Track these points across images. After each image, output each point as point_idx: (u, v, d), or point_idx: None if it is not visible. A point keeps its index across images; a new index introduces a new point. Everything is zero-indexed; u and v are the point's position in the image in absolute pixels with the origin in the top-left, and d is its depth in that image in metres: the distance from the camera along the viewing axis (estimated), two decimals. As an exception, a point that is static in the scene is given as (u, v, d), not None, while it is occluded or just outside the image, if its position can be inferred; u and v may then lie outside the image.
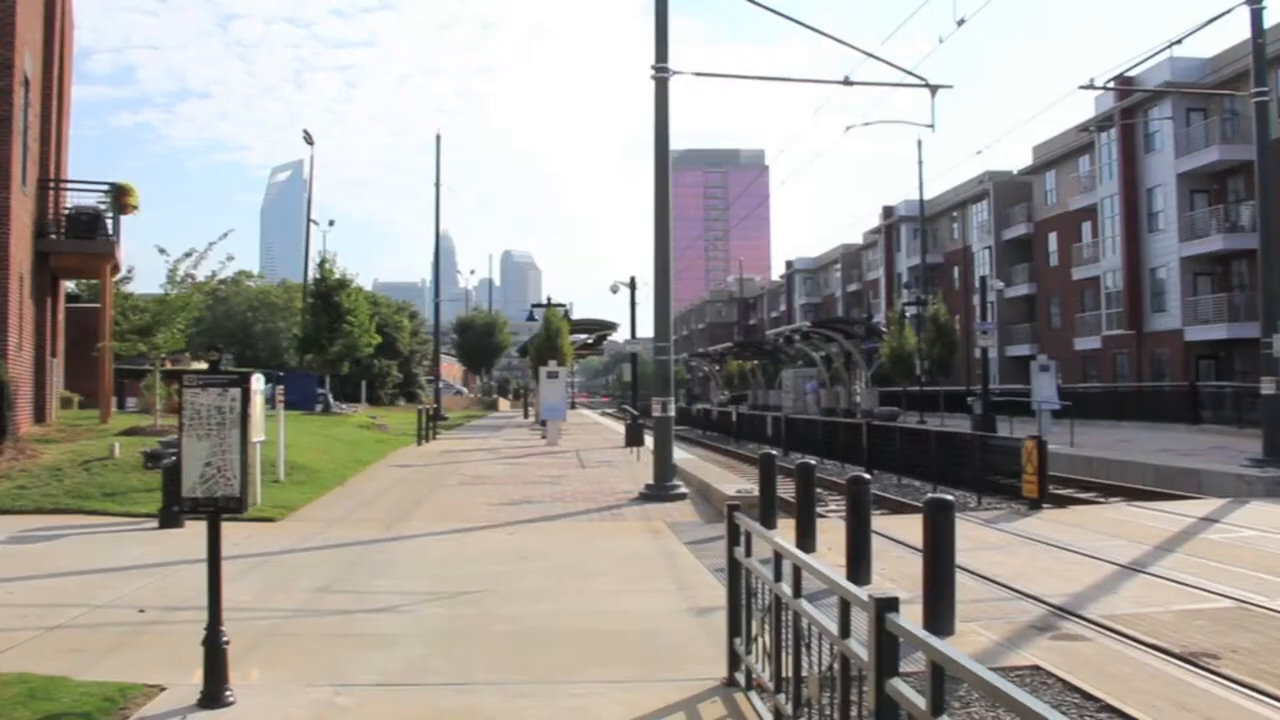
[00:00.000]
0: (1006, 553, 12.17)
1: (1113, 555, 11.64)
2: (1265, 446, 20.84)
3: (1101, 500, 19.83)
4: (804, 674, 4.96)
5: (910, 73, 19.81)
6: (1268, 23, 22.06)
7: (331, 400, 41.96)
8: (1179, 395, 37.56)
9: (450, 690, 6.56)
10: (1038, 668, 7.14)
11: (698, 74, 19.08)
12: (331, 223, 52.51)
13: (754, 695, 6.11)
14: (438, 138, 52.05)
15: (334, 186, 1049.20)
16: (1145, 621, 8.41)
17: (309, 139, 47.58)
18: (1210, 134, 46.18)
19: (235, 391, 6.34)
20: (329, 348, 40.92)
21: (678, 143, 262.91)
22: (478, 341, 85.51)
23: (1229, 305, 45.83)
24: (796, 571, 5.09)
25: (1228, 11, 21.30)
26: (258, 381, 15.87)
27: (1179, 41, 23.16)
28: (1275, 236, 22.38)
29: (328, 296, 41.42)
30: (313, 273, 43.65)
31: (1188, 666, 7.17)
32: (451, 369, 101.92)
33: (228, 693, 6.17)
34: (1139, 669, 7.14)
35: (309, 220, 49.60)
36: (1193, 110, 47.56)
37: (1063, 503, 18.51)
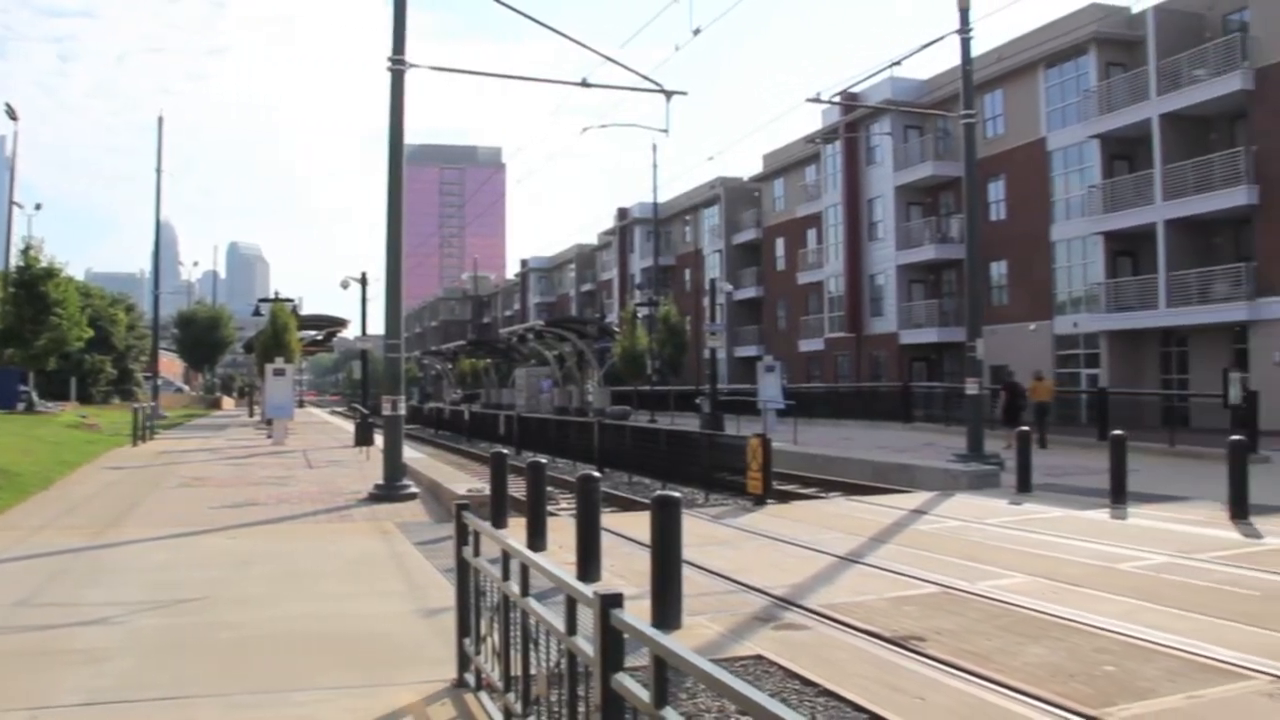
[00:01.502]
0: (733, 547, 12.52)
1: (832, 547, 12.14)
2: (969, 443, 22.28)
3: (822, 495, 20.65)
4: (533, 672, 4.95)
5: (647, 78, 20.14)
6: (975, 51, 23.57)
7: (36, 398, 39.31)
8: (895, 395, 39.58)
9: (166, 705, 6.20)
10: (761, 657, 7.36)
11: (435, 68, 18.82)
12: (39, 206, 48.99)
13: (484, 695, 6.04)
14: (160, 120, 49.29)
15: (43, 167, 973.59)
16: (860, 609, 8.80)
17: (12, 113, 44.32)
18: (925, 150, 49.09)
19: (-80, 387, 5.81)
20: (33, 342, 38.33)
21: (414, 138, 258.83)
22: (200, 337, 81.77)
23: (940, 311, 48.81)
24: (524, 570, 5.07)
25: (941, 38, 22.71)
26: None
27: (898, 63, 24.59)
28: (979, 248, 23.97)
29: (32, 286, 38.78)
30: (15, 260, 40.81)
31: (898, 649, 7.55)
32: (171, 365, 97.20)
33: (-95, 721, 5.64)
34: (855, 654, 7.47)
35: (11, 203, 46.26)
36: (910, 127, 50.42)
37: (786, 498, 19.19)
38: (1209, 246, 36.52)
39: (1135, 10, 39.42)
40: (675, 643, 3.17)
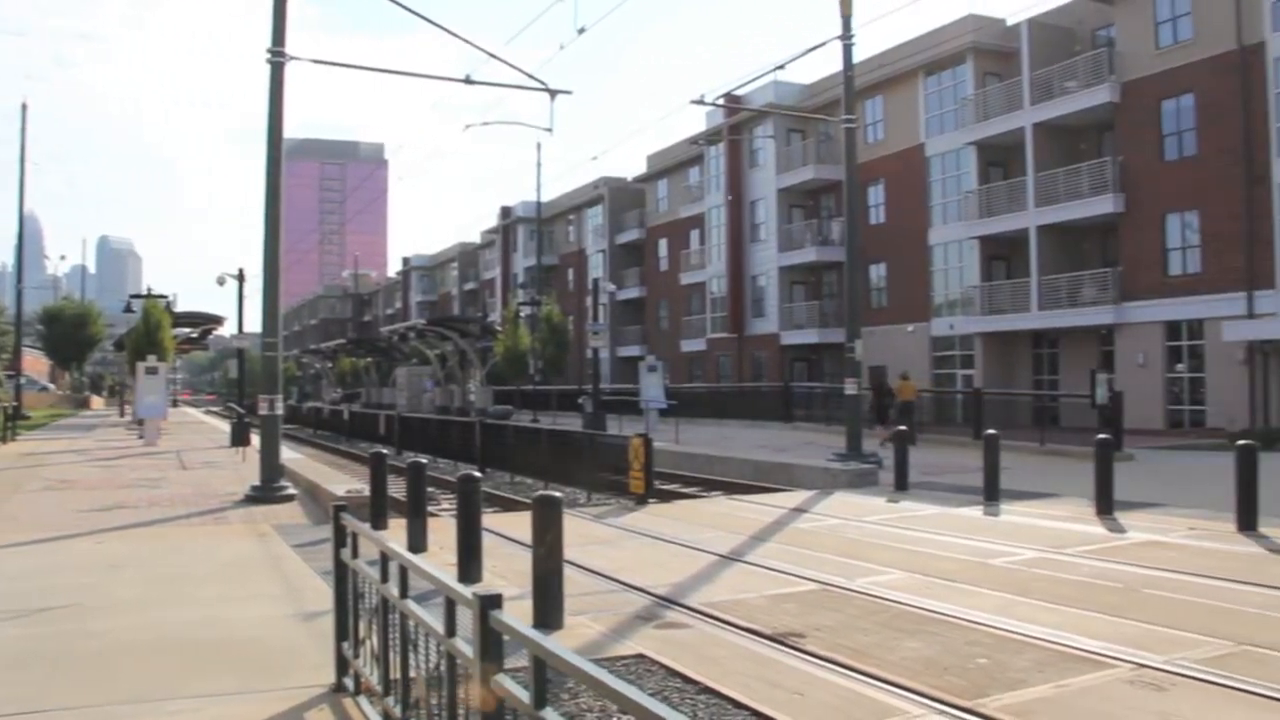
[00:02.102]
0: (615, 547, 12.53)
1: (713, 546, 12.22)
2: (848, 442, 22.66)
3: (704, 495, 20.77)
4: (413, 675, 4.89)
5: (531, 76, 20.09)
6: (857, 57, 23.99)
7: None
8: (775, 395, 40.01)
9: None
10: (642, 656, 7.37)
11: (316, 61, 18.48)
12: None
13: (363, 699, 5.95)
14: (24, 107, 47.59)
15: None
16: (741, 607, 8.88)
17: None
18: (807, 154, 49.75)
19: None
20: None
21: (295, 131, 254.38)
22: (67, 334, 78.84)
23: (820, 312, 49.51)
24: (403, 572, 5.00)
25: (824, 43, 23.10)
26: None
27: (782, 67, 24.95)
28: (859, 251, 24.39)
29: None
30: None
31: (778, 646, 7.63)
32: (36, 363, 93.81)
33: None
34: (735, 651, 7.53)
35: None
36: (792, 131, 51.02)
37: (668, 498, 19.26)
38: (1079, 252, 37.72)
39: (1011, 22, 40.64)
40: (555, 643, 3.16)
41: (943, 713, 6.13)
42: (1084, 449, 19.23)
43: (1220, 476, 15.11)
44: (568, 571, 8.74)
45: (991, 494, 16.21)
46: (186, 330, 51.30)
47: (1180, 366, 33.85)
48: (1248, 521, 12.79)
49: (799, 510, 15.75)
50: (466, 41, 19.45)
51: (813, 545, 12.30)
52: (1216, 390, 32.22)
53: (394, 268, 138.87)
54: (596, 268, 69.84)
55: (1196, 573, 10.19)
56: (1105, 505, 14.52)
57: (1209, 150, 32.32)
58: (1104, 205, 35.14)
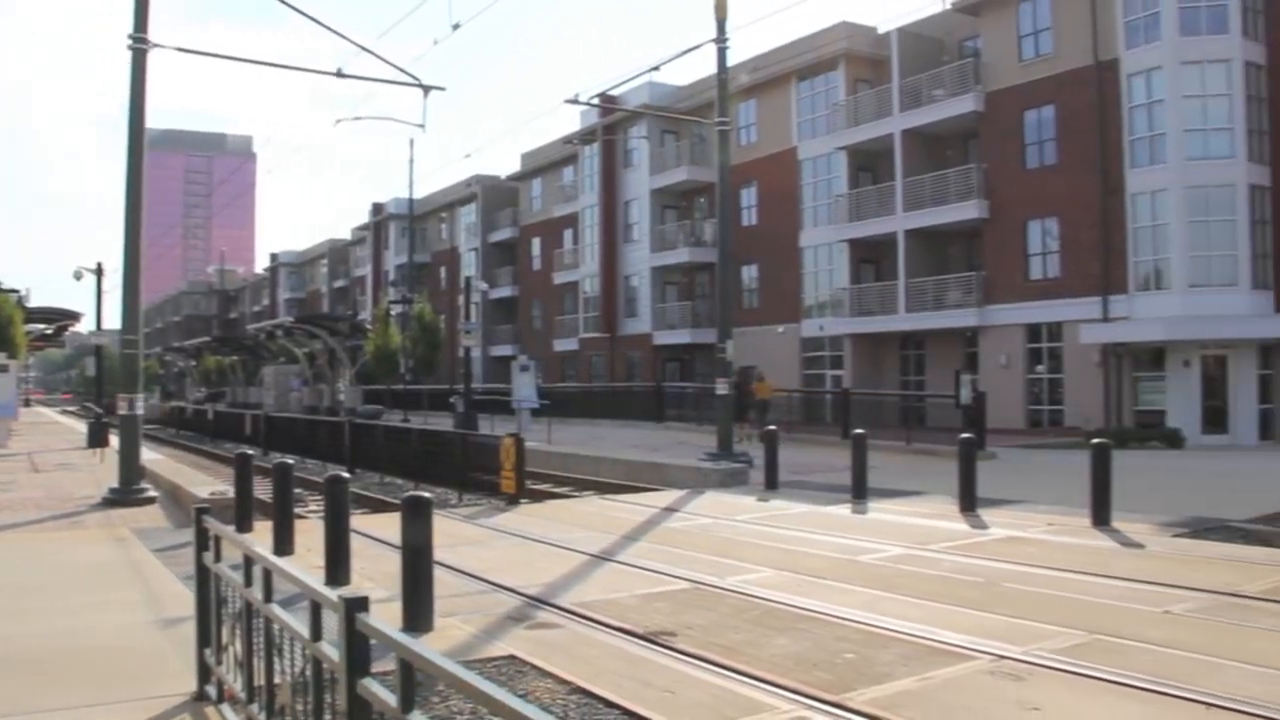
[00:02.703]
0: (486, 548, 12.45)
1: (585, 546, 12.22)
2: (719, 442, 22.87)
3: (576, 494, 20.77)
4: (278, 681, 4.78)
5: (404, 71, 19.88)
6: (732, 60, 24.25)
7: None
8: (648, 395, 40.08)
9: None
10: (514, 657, 7.33)
11: (182, 50, 17.98)
12: None
13: (226, 707, 5.80)
14: None
15: None
16: (613, 606, 8.89)
17: None
18: (681, 155, 50.04)
19: None
20: None
21: (159, 121, 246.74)
22: (-89, 330, 75.67)
23: (693, 313, 49.88)
24: (267, 575, 4.89)
25: (699, 46, 23.30)
26: None
27: (657, 68, 25.13)
28: (732, 252, 24.66)
29: None
30: None
31: (649, 645, 7.66)
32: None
33: None
34: (607, 651, 7.53)
35: None
36: (666, 132, 51.28)
37: (540, 498, 19.22)
38: (945, 256, 38.71)
39: (882, 31, 41.51)
40: (423, 645, 3.12)
41: (811, 707, 6.22)
42: (949, 448, 19.69)
43: (1077, 474, 15.61)
44: (438, 573, 8.66)
45: (860, 492, 16.51)
46: (40, 326, 49.44)
47: (1040, 368, 34.95)
48: (1102, 517, 13.26)
49: (671, 509, 15.84)
50: (337, 34, 19.11)
51: (685, 544, 12.38)
52: (1074, 391, 33.33)
53: (262, 264, 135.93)
54: (469, 266, 69.25)
55: (1053, 567, 10.52)
56: (969, 502, 14.91)
57: (1068, 160, 33.43)
58: (969, 211, 36.10)
